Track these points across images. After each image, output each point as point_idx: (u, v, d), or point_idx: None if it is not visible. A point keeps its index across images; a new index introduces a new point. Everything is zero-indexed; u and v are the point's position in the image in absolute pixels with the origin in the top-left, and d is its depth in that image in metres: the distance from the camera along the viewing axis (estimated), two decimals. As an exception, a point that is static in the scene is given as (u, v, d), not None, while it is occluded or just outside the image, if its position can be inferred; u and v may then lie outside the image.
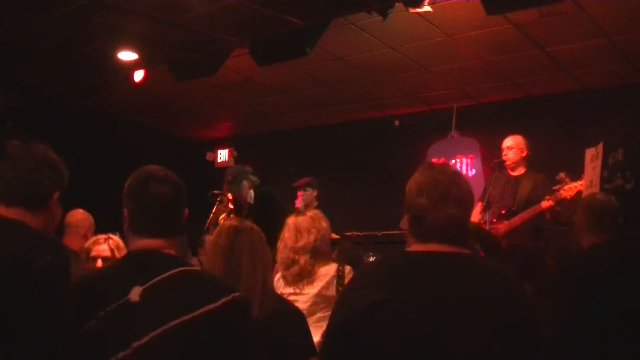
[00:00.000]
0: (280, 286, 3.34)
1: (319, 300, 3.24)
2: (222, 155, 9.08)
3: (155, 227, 1.89)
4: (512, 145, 5.13)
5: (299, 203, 6.16)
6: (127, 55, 5.69)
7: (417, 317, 1.64)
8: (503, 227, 4.91)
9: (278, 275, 3.39)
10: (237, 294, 1.81)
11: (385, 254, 4.49)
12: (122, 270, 1.89)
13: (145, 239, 1.88)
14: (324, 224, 3.41)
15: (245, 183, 5.41)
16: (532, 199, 4.88)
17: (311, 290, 3.26)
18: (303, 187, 6.28)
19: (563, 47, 5.59)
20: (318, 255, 3.32)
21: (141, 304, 1.73)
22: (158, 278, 1.76)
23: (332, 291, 3.26)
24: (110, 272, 1.98)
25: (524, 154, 5.13)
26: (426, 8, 4.44)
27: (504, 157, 5.15)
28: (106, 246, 3.39)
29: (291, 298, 3.18)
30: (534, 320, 1.72)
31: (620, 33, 5.23)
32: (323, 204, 6.02)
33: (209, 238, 5.13)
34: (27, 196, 2.00)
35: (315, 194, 6.25)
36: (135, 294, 1.74)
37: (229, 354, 1.76)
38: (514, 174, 5.14)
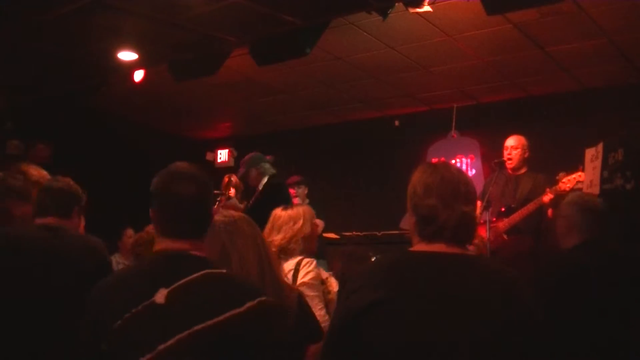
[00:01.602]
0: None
1: None
2: (222, 155, 9.08)
3: (180, 228, 1.86)
4: (517, 146, 5.14)
5: (296, 201, 6.17)
6: (127, 55, 5.68)
7: (418, 317, 1.64)
8: (503, 224, 4.92)
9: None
10: (264, 298, 1.79)
11: (385, 254, 4.49)
12: (148, 271, 1.87)
13: (171, 240, 1.86)
14: (301, 223, 3.37)
15: (253, 170, 5.40)
16: (532, 198, 4.89)
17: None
18: (297, 185, 6.31)
19: (563, 47, 5.59)
20: (287, 253, 3.32)
21: (166, 306, 1.71)
22: (183, 280, 1.74)
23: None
24: (137, 272, 1.96)
25: (526, 155, 5.15)
26: (426, 8, 4.44)
27: (506, 157, 5.15)
28: None
29: None
30: (538, 321, 1.71)
31: (620, 33, 5.23)
32: (323, 204, 6.03)
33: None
34: None
35: (306, 191, 6.32)
36: (160, 296, 1.72)
37: (255, 358, 1.75)
38: (515, 173, 5.15)
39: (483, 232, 4.82)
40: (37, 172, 3.27)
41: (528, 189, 4.99)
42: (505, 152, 5.18)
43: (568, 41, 5.44)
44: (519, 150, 5.13)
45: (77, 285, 2.38)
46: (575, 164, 4.96)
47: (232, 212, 2.58)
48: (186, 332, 1.67)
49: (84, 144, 7.35)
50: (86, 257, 2.58)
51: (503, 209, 4.99)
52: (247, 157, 5.54)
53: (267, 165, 5.44)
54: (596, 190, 4.39)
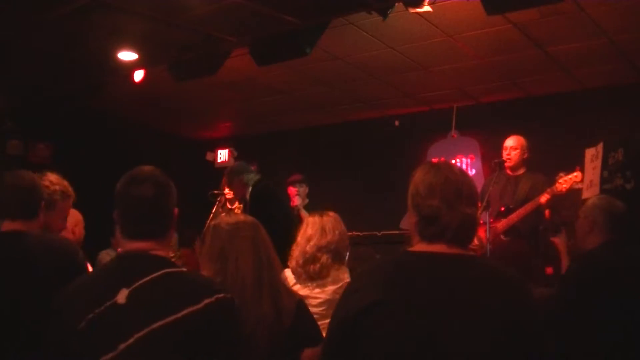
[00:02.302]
0: (289, 282, 3.35)
1: (332, 305, 3.25)
2: (222, 155, 9.09)
3: (139, 229, 1.91)
4: (516, 146, 5.14)
5: (297, 200, 6.17)
6: (127, 55, 5.68)
7: (417, 318, 1.64)
8: (501, 225, 4.93)
9: (287, 271, 3.41)
10: (222, 294, 1.81)
11: (385, 254, 4.49)
12: (111, 272, 1.92)
13: (132, 241, 1.90)
14: (344, 227, 3.46)
15: (235, 180, 5.40)
16: (531, 198, 4.90)
17: (322, 294, 3.26)
18: (298, 183, 6.29)
19: (563, 47, 5.59)
20: (338, 257, 3.34)
21: (127, 305, 1.75)
22: (143, 280, 1.78)
23: None
24: (100, 274, 2.01)
25: (525, 156, 5.16)
26: (426, 8, 4.43)
27: (506, 157, 5.15)
28: None
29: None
30: (540, 322, 1.71)
31: (620, 33, 5.23)
32: (323, 204, 6.01)
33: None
34: None
35: (307, 190, 6.30)
36: (122, 296, 1.76)
37: (214, 355, 1.77)
38: (514, 174, 5.15)
39: (482, 233, 4.83)
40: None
41: (527, 189, 4.99)
42: (505, 153, 5.18)
43: (568, 41, 5.44)
44: (518, 150, 5.13)
45: (36, 289, 2.39)
46: (575, 164, 4.96)
47: (240, 216, 2.59)
48: (145, 330, 1.70)
49: (84, 144, 7.36)
50: (45, 260, 2.54)
51: (502, 210, 5.00)
52: (228, 169, 5.55)
53: (251, 175, 5.43)
54: (596, 190, 4.40)
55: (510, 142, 5.20)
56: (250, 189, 5.40)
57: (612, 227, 3.03)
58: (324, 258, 3.29)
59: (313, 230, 3.35)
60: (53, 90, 6.55)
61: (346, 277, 3.30)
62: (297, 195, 6.19)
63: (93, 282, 1.93)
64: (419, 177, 1.82)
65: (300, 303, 2.54)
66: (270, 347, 2.32)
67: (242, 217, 2.60)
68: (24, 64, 5.87)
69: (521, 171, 5.16)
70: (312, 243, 3.30)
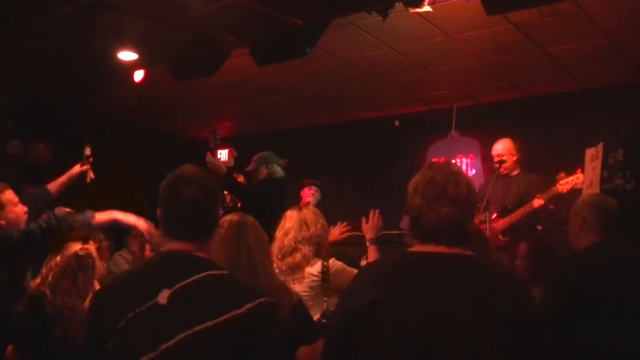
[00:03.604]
0: None
1: (308, 297, 3.24)
2: (222, 155, 9.07)
3: (184, 230, 1.90)
4: (503, 153, 5.18)
5: (310, 198, 6.17)
6: (127, 55, 5.68)
7: (414, 318, 1.64)
8: (499, 225, 4.96)
9: None
10: (263, 299, 1.82)
11: (385, 254, 4.49)
12: (152, 271, 1.92)
13: (175, 242, 1.90)
14: (324, 221, 3.44)
15: (263, 168, 5.33)
16: (527, 198, 4.93)
17: (299, 287, 3.24)
18: (315, 185, 6.31)
19: (563, 47, 5.59)
20: (319, 249, 3.33)
21: (169, 306, 1.75)
22: (185, 282, 1.78)
23: (319, 289, 3.26)
24: (141, 273, 2.00)
25: (514, 158, 5.18)
26: (426, 8, 4.43)
27: (496, 163, 5.20)
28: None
29: None
30: (538, 321, 1.71)
31: (620, 33, 5.23)
32: (322, 204, 6.03)
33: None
34: None
35: (319, 198, 6.33)
36: (163, 296, 1.76)
37: (254, 358, 1.77)
38: (509, 174, 5.20)
39: None
40: None
41: (523, 189, 5.04)
42: (495, 160, 5.23)
43: (568, 41, 5.44)
44: (505, 157, 5.18)
45: None
46: (575, 164, 4.96)
47: (233, 217, 2.59)
48: (187, 332, 1.70)
49: (84, 144, 7.35)
50: None
51: (500, 210, 5.02)
52: (260, 153, 5.48)
53: (279, 168, 5.38)
54: (596, 190, 4.39)
55: (496, 149, 5.26)
56: (266, 179, 5.34)
57: (604, 225, 2.98)
58: (306, 249, 3.28)
59: (291, 223, 3.33)
60: (53, 90, 6.55)
61: (319, 268, 3.28)
62: (308, 198, 6.22)
63: (134, 281, 1.93)
64: (413, 178, 1.84)
65: (298, 301, 2.55)
66: None
67: (235, 218, 2.59)
68: (24, 64, 5.87)
69: (516, 172, 5.21)
70: (290, 236, 3.29)
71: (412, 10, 4.51)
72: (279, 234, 3.34)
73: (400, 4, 4.49)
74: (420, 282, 1.70)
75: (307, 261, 3.28)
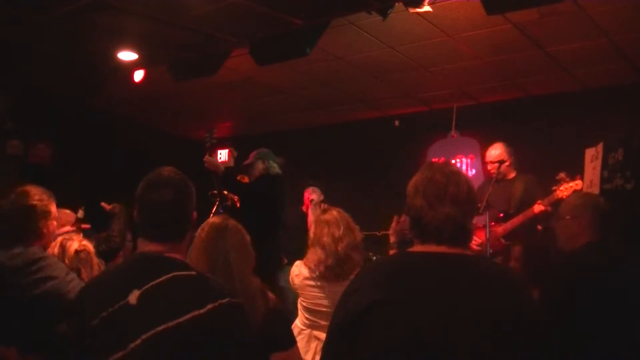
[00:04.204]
0: (303, 276, 3.34)
1: None
2: (222, 155, 9.07)
3: (156, 232, 1.95)
4: (494, 160, 5.19)
5: (313, 198, 6.18)
6: (127, 55, 5.68)
7: (415, 318, 1.64)
8: (501, 229, 4.99)
9: (300, 264, 3.40)
10: (226, 300, 1.84)
11: (385, 254, 4.49)
12: (125, 272, 1.98)
13: (148, 243, 1.96)
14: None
15: (260, 163, 5.32)
16: (526, 200, 4.95)
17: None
18: (311, 186, 6.31)
19: (563, 47, 5.59)
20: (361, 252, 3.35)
21: (138, 306, 1.81)
22: (153, 282, 1.84)
23: None
24: (116, 273, 2.06)
25: (507, 163, 5.19)
26: (426, 8, 4.44)
27: (491, 169, 5.21)
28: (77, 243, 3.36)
29: (316, 293, 3.22)
30: (538, 320, 1.71)
31: (620, 33, 5.23)
32: (323, 204, 6.03)
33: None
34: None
35: (322, 198, 6.33)
36: (133, 297, 1.82)
37: (220, 358, 1.80)
38: (506, 178, 5.23)
39: (483, 236, 4.88)
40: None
41: (520, 192, 5.05)
42: (489, 166, 5.24)
43: (568, 41, 5.44)
44: (496, 164, 5.17)
45: None
46: (574, 164, 4.96)
47: (215, 220, 2.59)
48: (151, 332, 1.76)
49: (84, 144, 7.35)
50: None
51: (501, 215, 5.04)
52: (259, 150, 5.47)
53: (275, 165, 5.38)
54: (596, 190, 4.39)
55: (489, 156, 5.27)
56: (263, 175, 5.33)
57: (600, 225, 2.98)
58: (356, 256, 3.27)
59: (340, 230, 3.28)
60: (53, 90, 6.55)
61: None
62: (311, 202, 6.23)
63: (110, 281, 2.00)
64: (412, 178, 1.84)
65: (274, 306, 2.51)
66: None
67: (222, 220, 2.59)
68: (24, 64, 5.87)
69: (512, 175, 5.22)
70: (344, 243, 3.25)
71: (412, 10, 4.51)
72: (327, 239, 3.27)
73: (400, 4, 4.49)
74: (421, 282, 1.70)
75: (355, 268, 3.24)
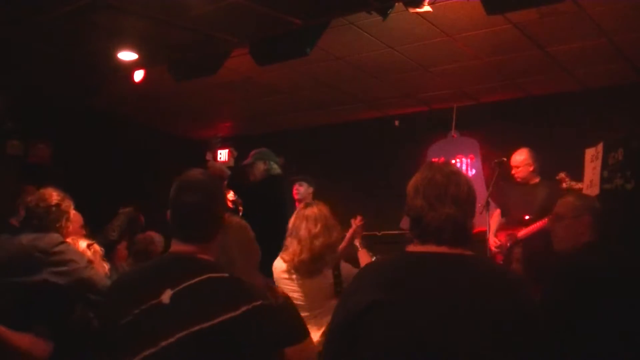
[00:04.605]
0: (280, 269, 3.36)
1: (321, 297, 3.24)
2: (222, 155, 9.07)
3: (187, 233, 2.02)
4: (519, 164, 5.30)
5: (300, 193, 6.15)
6: (127, 55, 5.68)
7: (415, 318, 1.64)
8: (521, 233, 5.07)
9: (279, 257, 3.42)
10: (259, 302, 1.89)
11: (385, 254, 4.49)
12: (158, 271, 2.03)
13: (179, 244, 2.02)
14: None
15: (260, 164, 5.32)
16: (548, 206, 4.93)
17: (312, 284, 3.25)
18: (299, 181, 6.26)
19: (563, 47, 5.59)
20: (336, 255, 3.35)
21: (171, 306, 1.86)
22: (187, 283, 1.88)
23: (330, 292, 3.27)
24: (147, 272, 2.11)
25: (531, 169, 5.25)
26: (426, 8, 4.44)
27: (513, 174, 5.34)
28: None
29: (290, 286, 3.23)
30: (538, 320, 1.70)
31: (620, 33, 5.23)
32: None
33: None
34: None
35: (310, 190, 6.25)
36: (166, 296, 1.86)
37: (251, 358, 1.84)
38: (529, 183, 5.29)
39: (502, 237, 4.96)
40: None
41: (544, 197, 5.05)
42: (513, 170, 5.36)
43: (568, 41, 5.44)
44: (520, 168, 5.29)
45: None
46: (574, 164, 4.96)
47: (232, 217, 2.60)
48: (185, 332, 1.79)
49: (84, 144, 7.35)
50: None
51: (527, 217, 5.07)
52: (258, 149, 5.45)
53: (275, 165, 5.37)
54: (596, 190, 4.40)
55: (514, 160, 5.40)
56: (264, 177, 5.31)
57: (598, 225, 2.99)
58: (330, 256, 3.30)
59: (317, 227, 3.31)
60: (53, 90, 6.55)
61: (330, 276, 3.30)
62: (297, 195, 6.16)
63: (140, 279, 2.05)
64: (412, 179, 1.84)
65: (284, 301, 2.51)
66: None
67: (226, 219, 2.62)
68: (24, 64, 5.87)
69: (535, 180, 5.26)
70: (319, 242, 3.28)
71: (412, 10, 4.51)
72: (305, 233, 3.31)
73: (400, 4, 4.49)
74: (421, 282, 1.70)
75: (327, 266, 3.28)
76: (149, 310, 1.86)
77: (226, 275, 1.96)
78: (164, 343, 1.79)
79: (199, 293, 1.87)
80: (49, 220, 3.32)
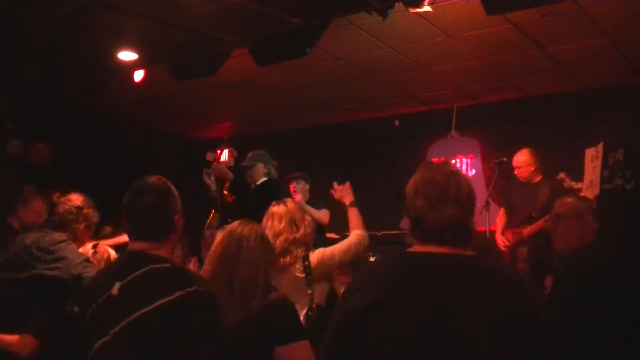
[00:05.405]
0: None
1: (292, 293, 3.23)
2: (222, 155, 9.07)
3: (138, 232, 2.19)
4: (520, 165, 5.36)
5: (297, 197, 6.13)
6: (127, 55, 5.67)
7: (415, 318, 1.64)
8: (527, 231, 5.09)
9: None
10: (193, 288, 2.01)
11: (385, 254, 4.49)
12: (114, 268, 2.29)
13: (133, 242, 2.20)
14: (309, 217, 3.48)
15: (261, 166, 5.30)
16: (551, 205, 4.97)
17: (287, 286, 3.23)
18: (295, 179, 6.25)
19: (563, 47, 5.59)
20: (308, 248, 3.33)
21: (119, 297, 2.04)
22: (132, 275, 2.06)
23: (303, 285, 3.27)
24: (109, 269, 2.38)
25: (532, 168, 5.29)
26: (426, 8, 4.43)
27: (515, 174, 5.43)
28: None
29: None
30: (539, 321, 1.70)
31: (620, 33, 5.23)
32: (322, 204, 6.02)
33: (208, 235, 5.10)
34: None
35: (307, 187, 6.24)
36: (115, 288, 2.05)
37: (185, 343, 1.96)
38: (532, 182, 5.33)
39: (509, 235, 4.98)
40: None
41: (546, 196, 5.08)
42: (515, 171, 5.44)
43: (568, 41, 5.44)
44: (522, 168, 5.38)
45: None
46: (575, 163, 4.97)
47: (234, 224, 2.61)
48: (129, 319, 1.97)
49: (84, 144, 7.35)
50: None
51: (534, 215, 5.10)
52: (255, 151, 5.44)
53: (273, 168, 5.38)
54: (596, 190, 4.40)
55: (516, 160, 5.49)
56: (263, 179, 5.31)
57: (597, 228, 3.04)
58: (297, 251, 3.27)
59: (281, 224, 3.29)
60: (53, 90, 6.55)
61: (300, 269, 3.27)
62: (295, 192, 6.15)
63: (103, 276, 2.32)
64: (412, 179, 1.83)
65: (276, 301, 2.49)
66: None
67: (235, 226, 2.64)
68: (24, 64, 5.87)
69: (538, 179, 5.30)
70: (282, 238, 3.26)
71: (412, 10, 4.51)
72: (269, 232, 3.27)
73: (400, 4, 4.49)
74: (421, 282, 1.69)
75: (296, 262, 3.27)
76: (103, 302, 2.06)
77: (168, 265, 2.11)
78: (112, 331, 1.97)
79: (140, 283, 2.04)
80: (67, 220, 3.50)
